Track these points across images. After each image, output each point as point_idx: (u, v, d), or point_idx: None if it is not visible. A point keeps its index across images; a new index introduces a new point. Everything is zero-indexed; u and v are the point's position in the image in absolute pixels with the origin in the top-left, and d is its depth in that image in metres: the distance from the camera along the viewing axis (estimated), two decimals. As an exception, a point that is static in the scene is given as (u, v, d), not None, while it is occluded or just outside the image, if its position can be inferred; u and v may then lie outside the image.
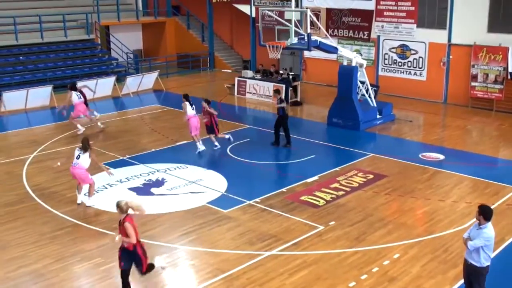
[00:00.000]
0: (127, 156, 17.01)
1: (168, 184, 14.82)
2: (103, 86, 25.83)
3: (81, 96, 19.73)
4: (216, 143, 17.49)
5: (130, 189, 14.48)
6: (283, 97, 19.09)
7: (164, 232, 12.08)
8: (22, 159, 16.88)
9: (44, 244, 11.53)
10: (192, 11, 35.17)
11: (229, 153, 17.35)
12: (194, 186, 14.64)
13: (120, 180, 15.05)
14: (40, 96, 23.75)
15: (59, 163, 14.30)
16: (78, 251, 11.21)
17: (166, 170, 15.73)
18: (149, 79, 27.64)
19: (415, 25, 24.57)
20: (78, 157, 13.20)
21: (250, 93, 25.75)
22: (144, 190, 14.44)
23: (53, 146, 18.24)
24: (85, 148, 13.20)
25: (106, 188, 14.56)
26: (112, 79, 26.53)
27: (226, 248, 11.43)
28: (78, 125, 19.50)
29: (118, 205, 9.22)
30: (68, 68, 28.20)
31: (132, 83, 26.67)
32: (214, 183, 14.82)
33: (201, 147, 17.21)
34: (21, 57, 27.65)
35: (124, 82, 26.58)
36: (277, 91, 19.79)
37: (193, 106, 17.39)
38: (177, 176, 15.34)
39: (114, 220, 12.53)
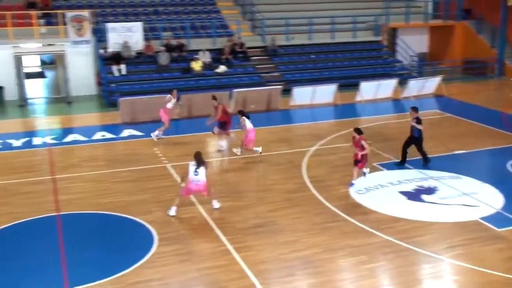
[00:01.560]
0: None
1: (440, 193, 14.60)
2: (385, 87, 26.31)
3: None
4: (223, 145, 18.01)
5: (401, 192, 14.63)
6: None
7: (431, 242, 11.96)
8: (304, 151, 18.19)
9: (316, 233, 12.36)
10: (484, 15, 33.55)
11: (509, 168, 16.35)
12: (467, 198, 14.17)
13: (392, 182, 15.30)
14: (325, 93, 25.19)
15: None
16: (345, 246, 11.77)
17: (439, 179, 15.51)
18: (431, 84, 27.27)
19: None
20: (196, 173, 12.84)
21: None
22: (414, 195, 14.45)
23: (333, 141, 19.27)
24: (201, 162, 12.89)
25: (378, 188, 14.94)
26: (394, 81, 26.83)
27: (494, 269, 10.87)
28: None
29: None
30: (353, 68, 29.35)
31: (414, 86, 26.62)
32: (490, 198, 14.12)
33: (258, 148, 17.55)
34: (312, 56, 29.61)
35: (406, 84, 26.67)
36: (414, 108, 16.71)
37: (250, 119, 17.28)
38: (450, 186, 15.01)
39: (382, 220, 12.92)
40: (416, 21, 33.51)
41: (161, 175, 15.89)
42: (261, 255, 11.36)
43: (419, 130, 16.30)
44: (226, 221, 12.94)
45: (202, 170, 12.84)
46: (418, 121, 16.30)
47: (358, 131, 14.84)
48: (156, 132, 19.20)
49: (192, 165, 12.91)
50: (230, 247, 11.68)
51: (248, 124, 17.21)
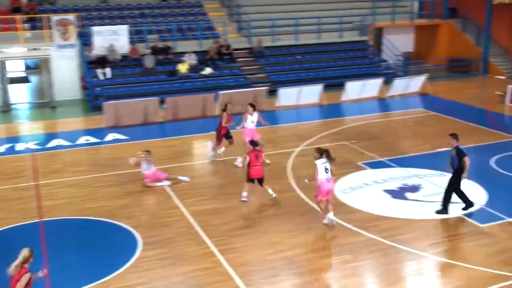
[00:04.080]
0: (386, 158, 17.22)
1: (424, 190, 14.66)
2: (371, 87, 26.38)
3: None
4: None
5: (385, 191, 14.68)
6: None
7: (415, 239, 12.01)
8: (289, 151, 18.20)
9: (300, 233, 12.34)
10: (469, 14, 33.75)
11: (492, 165, 16.45)
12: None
13: (377, 181, 15.34)
14: (311, 93, 25.21)
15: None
16: (329, 245, 11.81)
17: (423, 176, 15.57)
18: (416, 82, 27.39)
19: None
20: (327, 171, 12.25)
21: (525, 102, 23.90)
22: (399, 193, 14.51)
23: (319, 141, 19.26)
24: (331, 159, 12.34)
25: (362, 187, 14.98)
26: (380, 81, 26.92)
27: (477, 264, 10.94)
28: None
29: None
30: (339, 68, 29.41)
31: (399, 85, 26.73)
32: (473, 194, 14.17)
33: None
34: (298, 57, 29.65)
35: (391, 84, 26.77)
36: (454, 136, 13.03)
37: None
38: (434, 183, 15.07)
39: (366, 219, 12.95)
40: (402, 20, 33.65)
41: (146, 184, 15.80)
42: (246, 256, 11.36)
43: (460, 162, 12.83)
44: (210, 223, 12.91)
45: (330, 167, 12.28)
46: (459, 153, 12.82)
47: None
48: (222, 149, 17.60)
49: (320, 163, 12.17)
50: (214, 249, 11.66)
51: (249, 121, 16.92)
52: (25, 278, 8.00)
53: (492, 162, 16.65)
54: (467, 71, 31.94)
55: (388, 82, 27.40)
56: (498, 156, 17.10)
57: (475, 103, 24.76)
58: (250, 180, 13.99)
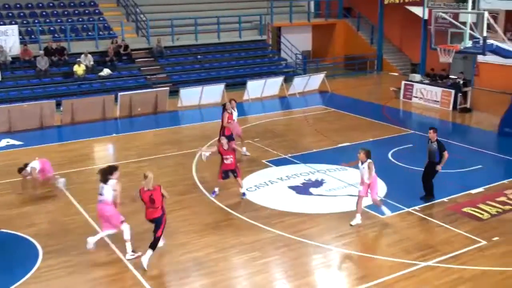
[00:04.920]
0: (289, 155, 17.47)
1: (327, 185, 15.01)
2: (271, 85, 26.70)
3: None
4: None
5: (290, 187, 14.88)
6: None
7: (320, 233, 12.27)
8: (193, 152, 18.03)
9: (208, 233, 12.28)
10: (363, 13, 35.05)
11: (390, 158, 17.13)
12: (352, 189, 14.66)
13: (281, 178, 15.53)
14: (213, 93, 25.15)
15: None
16: (237, 244, 11.79)
17: (326, 171, 15.94)
18: (315, 80, 28.05)
19: None
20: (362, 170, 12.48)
21: (417, 97, 25.08)
22: (303, 189, 14.77)
23: (221, 141, 19.27)
24: (370, 156, 12.42)
25: (267, 185, 15.10)
26: (280, 79, 27.31)
27: (380, 254, 11.37)
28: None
29: None
30: (240, 67, 29.57)
31: (299, 84, 27.25)
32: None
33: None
34: (199, 56, 29.52)
35: (292, 82, 27.25)
36: (434, 130, 13.77)
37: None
38: (337, 178, 15.48)
39: (273, 216, 13.07)
40: (299, 20, 34.35)
41: (44, 185, 15.07)
42: (154, 259, 11.10)
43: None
44: (115, 227, 12.53)
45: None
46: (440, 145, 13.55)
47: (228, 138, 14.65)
48: (244, 149, 17.45)
49: (362, 166, 12.37)
50: (121, 254, 11.32)
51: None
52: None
53: (390, 155, 17.33)
54: (363, 68, 33.13)
55: (288, 80, 27.87)
56: (395, 149, 17.82)
57: (372, 99, 25.72)
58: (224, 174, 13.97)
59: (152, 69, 27.96)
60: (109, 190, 11.09)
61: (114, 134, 20.52)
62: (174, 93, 24.83)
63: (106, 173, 11.17)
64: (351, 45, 35.16)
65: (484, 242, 11.69)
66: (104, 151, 18.63)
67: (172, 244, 11.73)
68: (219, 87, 25.49)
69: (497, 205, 13.52)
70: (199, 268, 10.85)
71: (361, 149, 12.54)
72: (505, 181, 15.11)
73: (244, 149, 17.42)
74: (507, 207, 13.41)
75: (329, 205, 13.77)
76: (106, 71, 26.22)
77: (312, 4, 36.39)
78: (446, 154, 13.44)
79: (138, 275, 10.54)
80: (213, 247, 11.65)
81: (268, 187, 14.98)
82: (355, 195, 13.61)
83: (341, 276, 10.70)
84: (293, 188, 14.86)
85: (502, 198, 13.92)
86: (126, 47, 27.55)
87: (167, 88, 24.63)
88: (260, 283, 10.34)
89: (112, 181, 11.14)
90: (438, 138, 13.65)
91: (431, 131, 13.67)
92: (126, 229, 11.17)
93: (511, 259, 11.00)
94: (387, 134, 19.74)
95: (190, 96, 24.67)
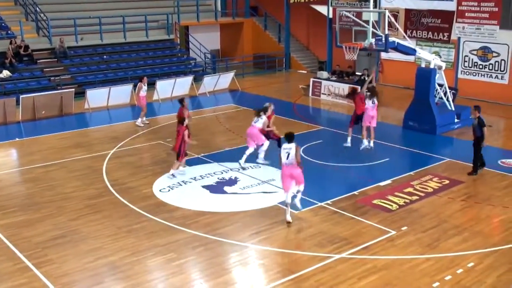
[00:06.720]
0: (202, 155, 17.35)
1: (241, 183, 15.02)
2: (181, 85, 26.45)
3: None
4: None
5: (204, 186, 14.77)
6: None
7: (236, 231, 12.25)
8: (103, 154, 17.55)
9: (121, 237, 11.96)
10: (269, 12, 35.44)
11: (301, 153, 17.33)
12: (266, 186, 14.77)
13: (195, 178, 15.39)
14: (121, 94, 24.56)
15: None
16: (152, 246, 11.55)
17: (239, 169, 15.94)
18: (225, 79, 28.05)
19: (498, 26, 23.76)
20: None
21: (325, 94, 25.66)
22: (217, 188, 14.70)
23: (132, 142, 18.86)
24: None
25: (181, 185, 14.92)
26: (189, 79, 27.10)
27: (296, 249, 11.50)
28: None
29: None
30: (148, 67, 29.06)
31: (209, 83, 27.15)
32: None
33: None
34: (105, 56, 28.74)
35: (201, 81, 27.11)
36: (477, 107, 15.25)
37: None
38: (250, 175, 15.52)
39: (187, 216, 12.92)
40: (206, 19, 34.22)
41: None
42: (64, 267, 10.68)
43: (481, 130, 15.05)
44: (21, 236, 11.95)
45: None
46: (480, 121, 15.07)
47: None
48: (139, 120, 20.88)
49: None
50: (29, 263, 10.81)
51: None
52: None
53: (300, 151, 17.53)
54: (272, 66, 33.48)
55: (198, 80, 27.71)
56: (307, 145, 18.10)
57: (282, 97, 26.03)
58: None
59: (56, 70, 26.89)
60: (260, 122, 15.68)
61: (17, 139, 19.57)
62: (80, 94, 24.03)
63: (259, 111, 15.84)
64: (260, 43, 35.48)
65: (393, 232, 12.09)
66: (6, 157, 17.71)
67: (85, 250, 11.33)
68: (127, 88, 24.92)
69: (405, 196, 14.04)
70: (113, 272, 10.54)
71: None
72: (411, 173, 15.72)
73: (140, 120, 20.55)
74: (414, 197, 13.96)
75: (244, 203, 13.78)
76: (5, 73, 24.97)
77: (218, 2, 36.36)
78: (485, 129, 14.98)
79: (49, 283, 10.10)
80: (127, 250, 11.35)
81: (182, 187, 14.80)
82: (269, 192, 13.73)
83: (259, 272, 10.71)
84: (207, 187, 14.75)
85: (409, 189, 14.47)
86: (27, 47, 26.35)
87: (73, 89, 23.79)
88: (177, 284, 10.17)
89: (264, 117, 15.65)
90: (479, 115, 15.06)
91: (473, 109, 15.28)
92: (266, 144, 15.85)
93: (418, 248, 11.43)
94: (298, 130, 19.95)
95: (97, 97, 23.94)
